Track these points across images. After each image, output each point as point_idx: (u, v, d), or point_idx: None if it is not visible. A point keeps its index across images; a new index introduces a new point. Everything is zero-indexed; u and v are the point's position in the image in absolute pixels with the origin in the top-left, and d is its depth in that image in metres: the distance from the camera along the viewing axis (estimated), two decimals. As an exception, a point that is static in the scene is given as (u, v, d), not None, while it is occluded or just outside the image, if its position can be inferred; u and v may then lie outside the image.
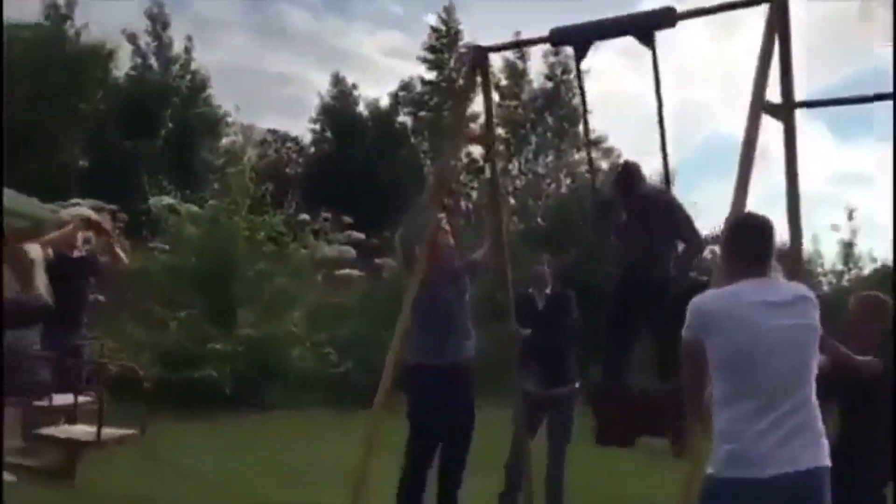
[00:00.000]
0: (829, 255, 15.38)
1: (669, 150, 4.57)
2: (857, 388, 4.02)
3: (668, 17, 4.26)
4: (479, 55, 4.92)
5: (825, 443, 2.72)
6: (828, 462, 2.70)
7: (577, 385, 5.49)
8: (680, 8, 4.24)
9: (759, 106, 3.81)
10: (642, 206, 4.79)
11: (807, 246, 12.32)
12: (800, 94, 4.14)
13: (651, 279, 4.67)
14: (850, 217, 14.90)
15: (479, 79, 5.07)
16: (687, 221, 4.83)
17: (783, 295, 2.78)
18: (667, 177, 4.86)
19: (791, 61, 4.03)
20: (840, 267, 15.12)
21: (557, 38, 4.65)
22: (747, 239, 2.85)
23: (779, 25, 3.91)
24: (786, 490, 2.60)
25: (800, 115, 4.16)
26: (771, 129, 4.02)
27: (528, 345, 5.32)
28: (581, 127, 26.36)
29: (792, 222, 4.19)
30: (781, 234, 3.19)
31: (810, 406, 2.71)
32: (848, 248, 15.01)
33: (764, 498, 2.60)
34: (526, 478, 5.45)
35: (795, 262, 4.24)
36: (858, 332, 4.35)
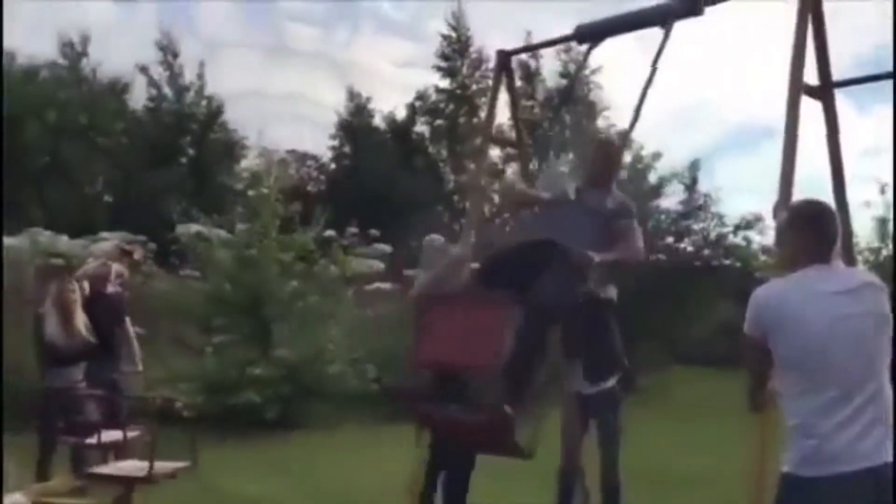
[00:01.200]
0: (864, 232, 15.13)
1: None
2: None
3: (694, 6, 4.19)
4: (505, 58, 4.90)
5: (891, 436, 2.61)
6: (891, 458, 2.59)
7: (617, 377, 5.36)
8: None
9: (798, 88, 3.73)
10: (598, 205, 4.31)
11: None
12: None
13: None
14: (883, 192, 14.65)
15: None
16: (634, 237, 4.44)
17: (848, 283, 2.68)
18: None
19: (826, 42, 3.96)
20: (876, 244, 14.87)
21: (583, 34, 4.60)
22: (811, 226, 2.74)
23: (812, 6, 3.83)
24: (864, 486, 2.51)
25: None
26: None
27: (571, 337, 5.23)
28: (598, 121, 26.28)
29: (839, 204, 4.10)
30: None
31: (884, 397, 2.62)
32: (883, 224, 14.76)
33: (844, 494, 2.51)
34: (581, 485, 5.37)
35: (847, 245, 4.15)
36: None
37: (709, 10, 4.21)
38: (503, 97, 5.17)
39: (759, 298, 2.72)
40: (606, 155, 4.52)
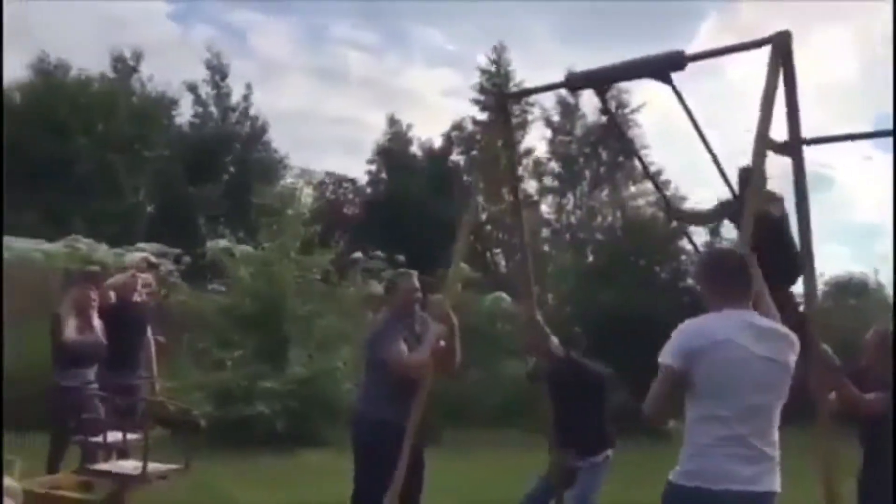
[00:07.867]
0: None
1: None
2: (871, 425, 4.07)
3: (676, 61, 4.40)
4: (500, 101, 5.13)
5: (778, 470, 2.88)
6: (779, 489, 2.86)
7: (609, 452, 5.50)
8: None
9: (763, 145, 3.90)
10: None
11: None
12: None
13: None
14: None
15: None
16: None
17: (764, 331, 2.92)
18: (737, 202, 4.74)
19: (797, 100, 4.12)
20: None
21: (573, 82, 4.84)
22: (728, 275, 2.98)
23: (782, 65, 4.01)
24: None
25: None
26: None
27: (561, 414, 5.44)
28: (636, 160, 26.37)
29: (806, 253, 4.24)
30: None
31: (774, 435, 2.88)
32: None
33: None
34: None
35: (810, 297, 4.29)
36: (877, 366, 4.39)
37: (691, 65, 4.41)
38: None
39: (690, 328, 2.91)
40: None
